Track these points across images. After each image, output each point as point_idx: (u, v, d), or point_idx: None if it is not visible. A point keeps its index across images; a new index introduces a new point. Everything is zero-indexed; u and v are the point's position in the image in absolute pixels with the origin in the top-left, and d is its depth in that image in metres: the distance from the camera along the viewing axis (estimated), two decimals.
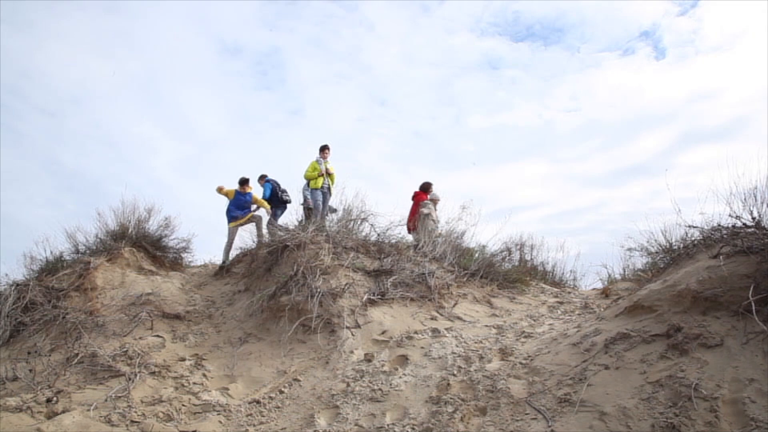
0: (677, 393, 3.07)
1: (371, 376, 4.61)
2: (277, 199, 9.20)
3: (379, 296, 6.01)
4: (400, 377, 4.49)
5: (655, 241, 5.44)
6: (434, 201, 9.22)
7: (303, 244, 6.80)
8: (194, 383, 4.98)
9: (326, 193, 8.80)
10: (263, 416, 4.36)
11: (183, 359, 5.44)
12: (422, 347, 4.98)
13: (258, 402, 4.58)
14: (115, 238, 8.13)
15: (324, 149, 8.92)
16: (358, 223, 8.04)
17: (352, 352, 5.13)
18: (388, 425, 3.82)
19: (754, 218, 4.01)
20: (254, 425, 4.25)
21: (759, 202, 4.04)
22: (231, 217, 8.91)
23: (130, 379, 4.90)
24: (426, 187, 9.36)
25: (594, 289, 7.58)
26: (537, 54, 49.86)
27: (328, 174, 8.80)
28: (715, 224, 4.38)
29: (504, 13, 53.00)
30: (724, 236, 4.13)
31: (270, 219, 9.08)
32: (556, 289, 7.97)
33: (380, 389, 4.36)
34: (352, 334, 5.41)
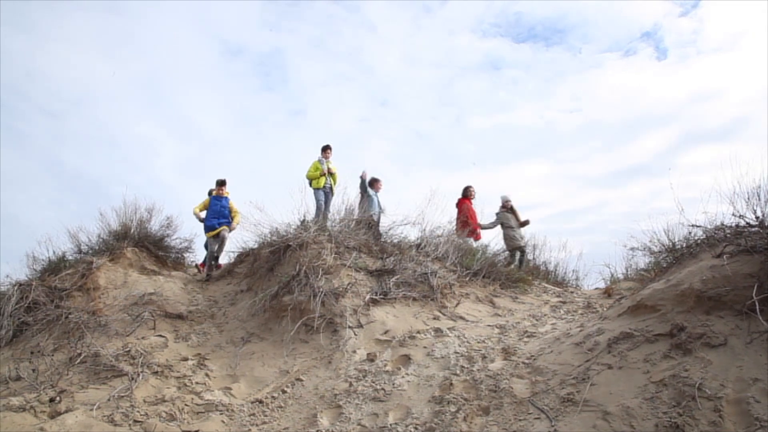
0: (681, 393, 3.06)
1: (374, 376, 4.61)
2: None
3: (382, 296, 6.01)
4: (403, 377, 4.49)
5: (658, 240, 5.42)
6: (505, 207, 9.38)
7: (305, 244, 6.80)
8: (197, 383, 4.98)
9: (328, 192, 8.81)
10: (266, 416, 4.36)
11: (186, 359, 5.45)
12: (425, 347, 4.97)
13: (261, 402, 4.58)
14: (118, 238, 8.14)
15: (326, 149, 8.93)
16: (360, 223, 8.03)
17: (354, 351, 5.13)
18: (390, 425, 3.82)
19: (757, 217, 4.00)
20: (257, 425, 4.25)
21: (762, 202, 4.03)
22: (207, 226, 8.40)
23: (132, 378, 4.90)
24: (466, 192, 9.39)
25: (597, 288, 7.57)
26: (538, 55, 49.84)
27: (330, 174, 8.81)
28: (719, 223, 4.38)
29: (505, 14, 52.97)
30: (728, 235, 4.12)
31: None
32: (558, 289, 7.97)
33: (383, 389, 4.35)
34: (355, 334, 5.41)
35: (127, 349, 5.47)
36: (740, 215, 4.10)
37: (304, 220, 7.73)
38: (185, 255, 9.32)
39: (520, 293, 7.14)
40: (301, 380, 4.84)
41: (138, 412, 4.40)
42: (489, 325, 5.52)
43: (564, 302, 6.62)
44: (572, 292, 7.70)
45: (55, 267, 7.40)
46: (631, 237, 6.04)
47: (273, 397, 4.64)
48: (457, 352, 4.72)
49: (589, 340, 4.08)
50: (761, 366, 3.01)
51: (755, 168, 4.16)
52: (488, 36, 50.66)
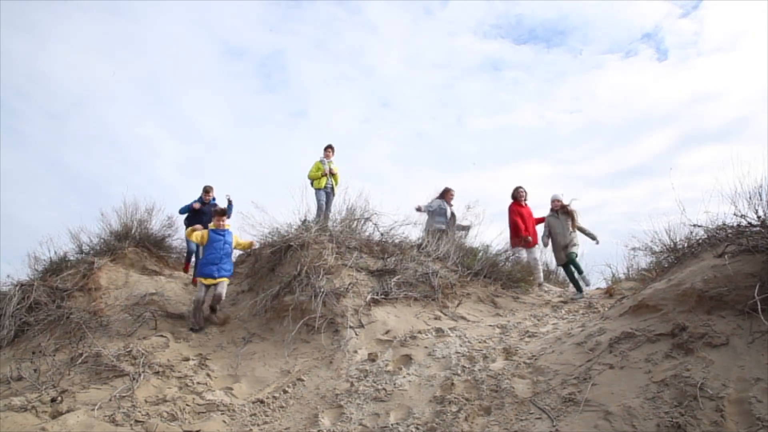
0: (683, 392, 3.06)
1: (375, 376, 4.61)
2: None
3: (383, 296, 6.01)
4: (404, 377, 4.49)
5: (660, 240, 5.41)
6: (568, 213, 7.32)
7: (306, 244, 6.80)
8: (198, 383, 4.99)
9: (329, 193, 8.81)
10: (267, 416, 4.36)
11: (187, 359, 5.45)
12: (426, 347, 4.97)
13: (262, 402, 4.58)
14: (119, 239, 8.16)
15: (328, 149, 8.93)
16: (362, 222, 8.03)
17: (355, 351, 5.13)
18: (392, 425, 3.81)
19: (759, 217, 4.00)
20: (258, 425, 4.25)
21: (764, 201, 4.03)
22: (203, 272, 6.46)
23: (134, 378, 4.91)
24: (514, 195, 8.17)
25: (598, 288, 7.55)
26: (539, 56, 49.86)
27: (332, 174, 8.81)
28: (720, 223, 4.37)
29: (506, 16, 53.01)
30: (729, 235, 4.11)
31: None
32: (559, 289, 7.97)
33: (384, 389, 4.35)
34: (356, 334, 5.41)
35: (129, 349, 5.47)
36: (742, 215, 4.10)
37: (305, 221, 7.73)
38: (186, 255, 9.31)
39: (521, 293, 7.13)
40: (303, 380, 4.84)
41: (139, 412, 4.40)
42: (490, 325, 5.51)
43: (565, 302, 6.61)
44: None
45: (57, 267, 7.42)
46: (632, 237, 6.04)
47: (274, 397, 4.64)
48: (459, 352, 4.72)
49: (590, 340, 4.08)
50: (763, 366, 3.01)
51: (757, 168, 4.16)
52: (489, 37, 50.71)
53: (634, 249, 6.13)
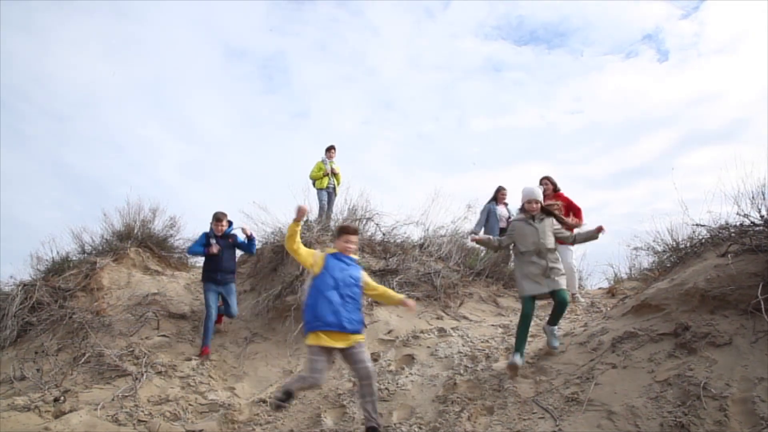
0: (686, 392, 3.05)
1: (378, 376, 4.60)
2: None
3: None
4: (407, 377, 4.49)
5: (662, 240, 5.40)
6: (550, 214, 4.37)
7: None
8: (201, 383, 4.99)
9: (331, 193, 8.81)
10: (270, 415, 4.36)
11: (189, 359, 5.45)
12: (428, 347, 4.97)
13: (264, 401, 4.58)
14: (121, 239, 8.15)
15: (330, 149, 8.93)
16: (364, 222, 8.02)
17: None
18: (395, 424, 3.82)
19: (762, 216, 3.99)
20: (261, 425, 4.25)
21: (767, 201, 4.02)
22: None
23: (136, 378, 4.92)
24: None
25: (600, 288, 7.53)
26: (540, 57, 49.77)
27: (334, 174, 8.81)
28: (723, 223, 4.36)
29: (508, 18, 52.96)
30: (732, 235, 4.10)
31: None
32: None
33: (387, 388, 4.35)
34: None
35: (131, 349, 5.48)
36: (745, 214, 4.09)
37: (307, 220, 7.73)
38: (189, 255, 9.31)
39: None
40: None
41: (142, 411, 4.41)
42: (492, 325, 5.51)
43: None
44: (575, 292, 7.68)
45: (59, 267, 7.40)
46: (634, 237, 6.02)
47: None
48: (461, 352, 4.72)
49: (593, 340, 4.08)
50: (766, 365, 3.00)
51: (759, 168, 4.16)
52: (490, 39, 50.66)
53: (636, 249, 6.11)
